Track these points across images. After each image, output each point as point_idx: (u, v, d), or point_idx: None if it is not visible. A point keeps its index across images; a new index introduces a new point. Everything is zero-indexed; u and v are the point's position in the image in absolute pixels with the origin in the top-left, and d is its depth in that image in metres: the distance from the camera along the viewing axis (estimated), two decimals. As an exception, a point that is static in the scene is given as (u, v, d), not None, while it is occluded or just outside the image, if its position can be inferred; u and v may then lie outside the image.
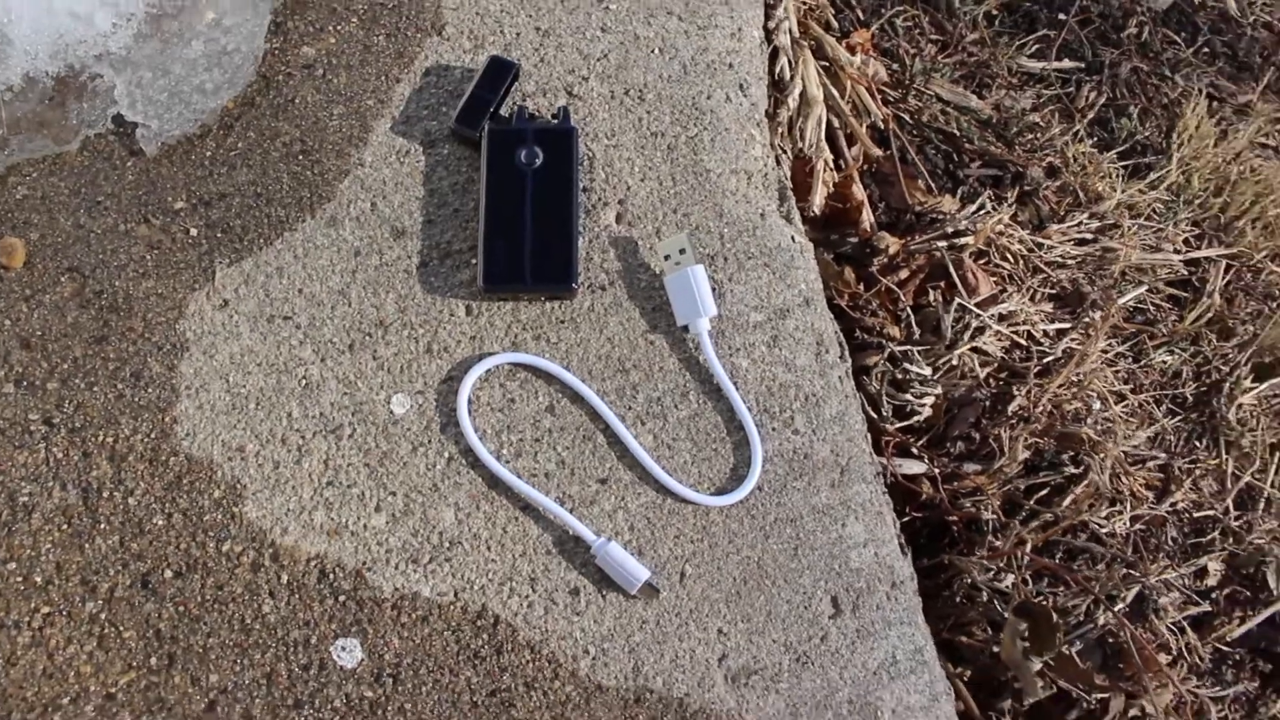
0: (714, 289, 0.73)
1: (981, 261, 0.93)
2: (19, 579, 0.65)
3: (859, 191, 0.91)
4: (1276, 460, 0.99)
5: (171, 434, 0.68)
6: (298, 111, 0.77)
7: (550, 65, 0.78)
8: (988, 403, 0.88)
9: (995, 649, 0.80)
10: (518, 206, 0.72)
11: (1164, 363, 1.00)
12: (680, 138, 0.78)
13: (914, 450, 0.84)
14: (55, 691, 0.63)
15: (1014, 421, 0.87)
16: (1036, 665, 0.79)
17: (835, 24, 1.02)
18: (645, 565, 0.67)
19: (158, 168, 0.74)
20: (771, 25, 0.89)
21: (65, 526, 0.66)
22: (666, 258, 0.72)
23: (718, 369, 0.70)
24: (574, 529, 0.67)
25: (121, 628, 0.64)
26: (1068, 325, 0.93)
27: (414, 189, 0.75)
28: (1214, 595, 0.94)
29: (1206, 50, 1.21)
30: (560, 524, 0.68)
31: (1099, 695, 0.84)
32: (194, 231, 0.73)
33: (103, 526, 0.66)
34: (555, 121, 0.75)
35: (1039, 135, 1.06)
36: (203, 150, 0.75)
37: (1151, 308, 1.02)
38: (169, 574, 0.66)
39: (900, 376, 0.84)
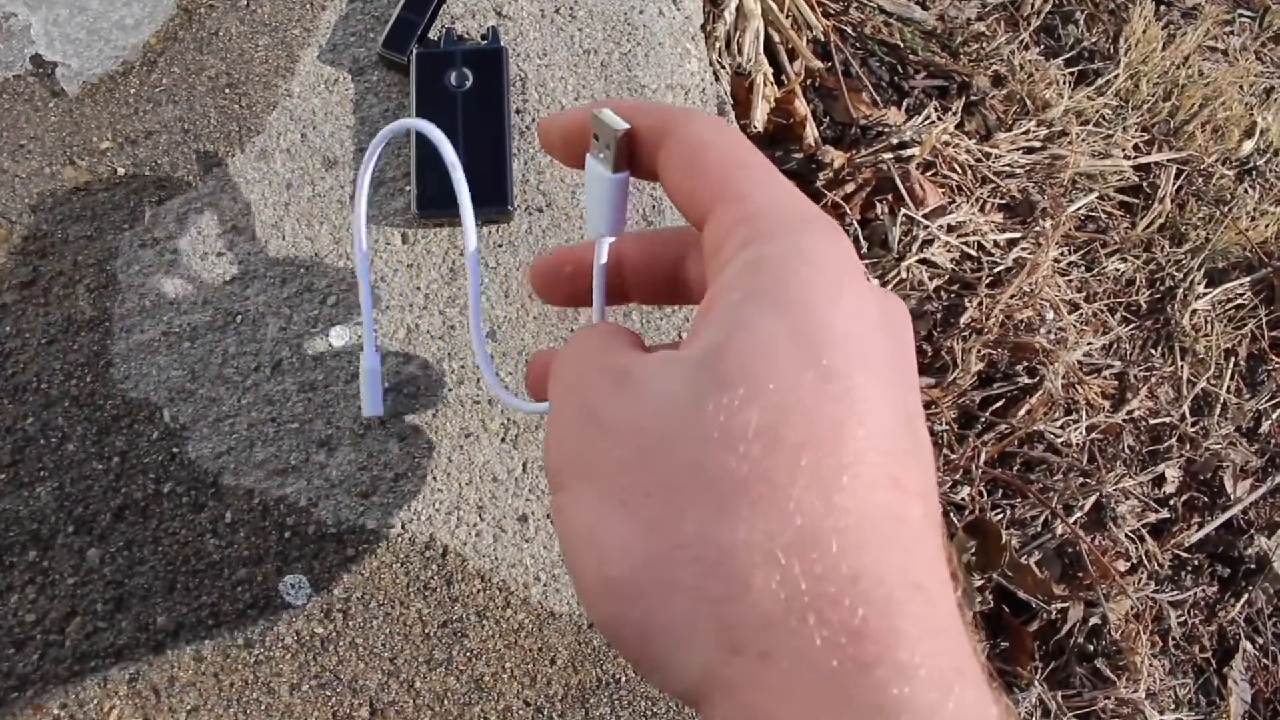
0: (654, 205, 0.72)
1: (929, 173, 0.92)
2: (-43, 530, 0.64)
3: (802, 106, 0.90)
4: (1231, 365, 1.00)
5: (107, 377, 0.67)
6: (222, 44, 0.75)
7: (479, -14, 0.77)
8: (939, 315, 0.87)
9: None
10: (450, 130, 0.70)
11: (1117, 270, 1.00)
12: (613, 54, 0.76)
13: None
14: (-3, 640, 0.62)
15: (966, 333, 0.87)
16: (978, 581, 0.79)
17: (774, -62, 1.00)
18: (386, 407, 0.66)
19: (81, 108, 0.73)
20: (707, -61, 0.88)
21: (2, 476, 0.65)
22: (596, 138, 0.47)
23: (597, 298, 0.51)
24: (365, 334, 0.65)
25: (64, 574, 0.64)
26: (1018, 235, 0.92)
27: (344, 118, 0.73)
28: (1172, 502, 0.94)
29: (1154, -46, 1.20)
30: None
31: (1059, 605, 0.84)
32: (121, 171, 0.71)
33: (41, 474, 0.65)
34: (484, 42, 0.73)
35: (985, 44, 1.05)
36: (126, 88, 0.73)
37: (1103, 215, 1.02)
38: (110, 518, 0.65)
39: (848, 290, 0.83)
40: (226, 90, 0.74)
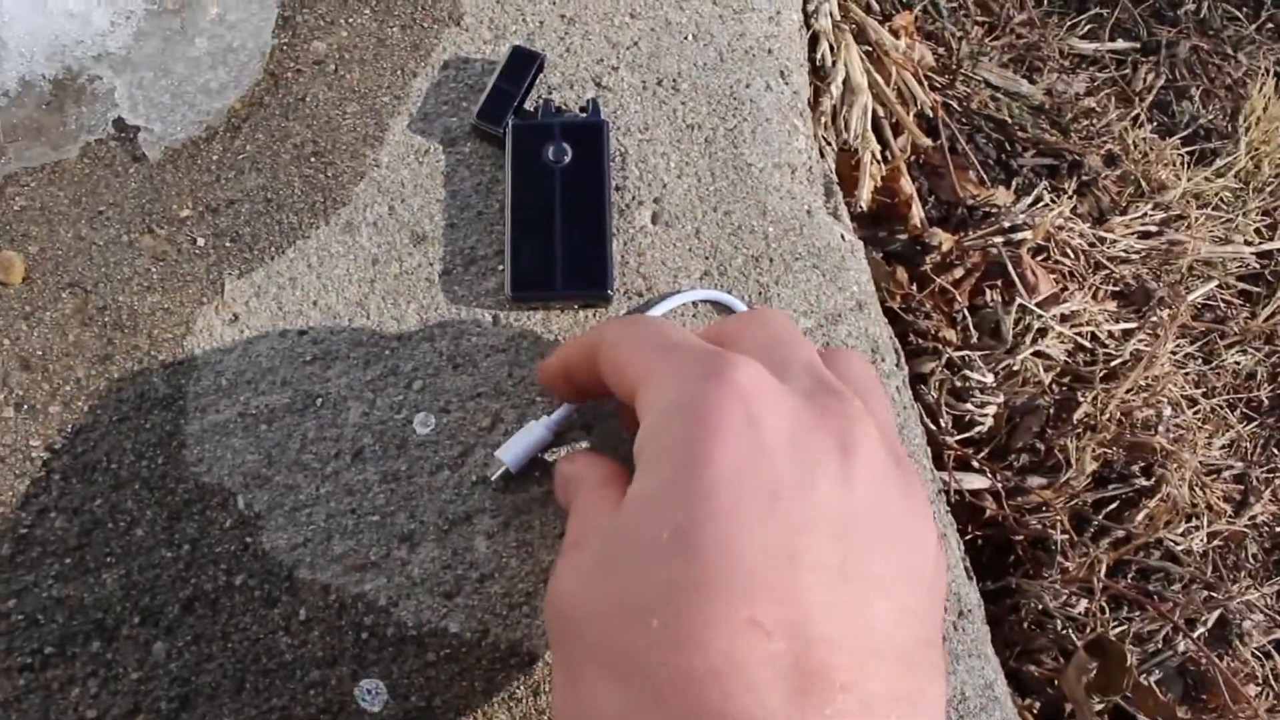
0: (760, 292, 0.68)
1: (1040, 258, 0.88)
2: (19, 617, 0.60)
3: (907, 184, 0.86)
4: (1357, 465, 0.94)
5: (179, 460, 0.64)
6: (309, 110, 0.72)
7: (576, 55, 0.73)
8: (1051, 410, 0.82)
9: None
10: (546, 207, 0.67)
11: (1237, 364, 0.94)
12: (718, 130, 0.73)
13: (975, 464, 0.78)
14: (55, 741, 0.59)
15: (1080, 430, 0.82)
16: (1098, 705, 0.74)
17: (876, 6, 0.97)
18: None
19: (161, 174, 0.70)
20: (811, 8, 0.84)
21: (67, 560, 0.61)
22: None
23: None
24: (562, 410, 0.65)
25: (128, 667, 0.60)
26: (1134, 325, 0.87)
27: (434, 191, 0.70)
28: (1301, 617, 0.88)
29: (1271, 26, 1.15)
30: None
31: (1183, 730, 0.78)
32: (201, 241, 0.68)
33: (107, 559, 0.61)
34: (584, 115, 0.70)
35: (1095, 121, 1.01)
36: (209, 154, 0.71)
37: (1222, 304, 0.97)
38: (178, 610, 0.61)
39: (960, 384, 0.78)
40: (312, 159, 0.71)
